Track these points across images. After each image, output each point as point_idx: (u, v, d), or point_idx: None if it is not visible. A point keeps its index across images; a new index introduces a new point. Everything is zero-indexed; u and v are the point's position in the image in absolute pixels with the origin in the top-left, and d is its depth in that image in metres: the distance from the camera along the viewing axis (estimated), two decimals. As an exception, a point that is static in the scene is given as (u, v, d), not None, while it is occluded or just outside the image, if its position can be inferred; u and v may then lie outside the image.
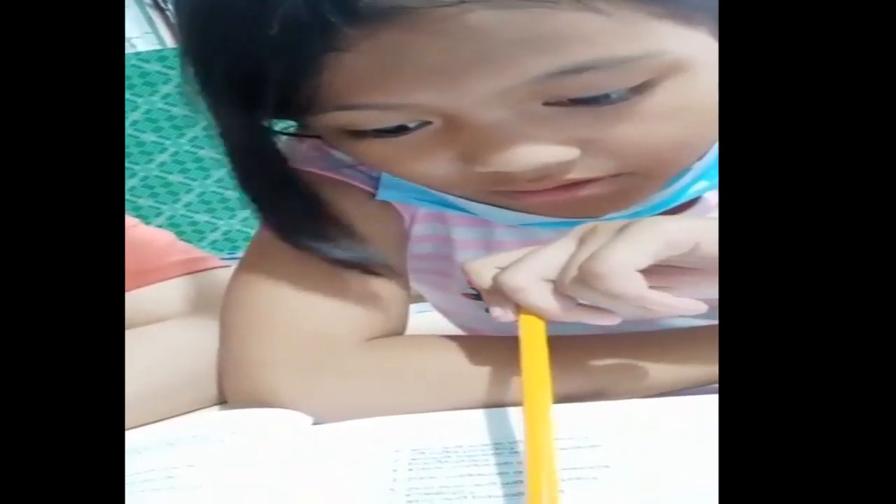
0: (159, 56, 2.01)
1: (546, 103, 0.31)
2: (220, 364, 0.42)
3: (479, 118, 0.31)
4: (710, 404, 0.32)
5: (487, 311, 0.51)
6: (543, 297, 0.33)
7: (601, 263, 0.30)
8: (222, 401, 0.42)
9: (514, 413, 0.37)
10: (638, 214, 0.39)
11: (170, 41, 2.36)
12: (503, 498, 0.29)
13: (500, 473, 0.31)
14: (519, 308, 0.34)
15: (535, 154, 0.32)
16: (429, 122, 0.33)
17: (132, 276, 0.49)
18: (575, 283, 0.32)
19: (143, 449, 0.34)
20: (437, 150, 0.34)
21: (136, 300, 0.48)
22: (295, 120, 0.36)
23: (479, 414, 0.37)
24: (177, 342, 0.45)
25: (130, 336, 0.44)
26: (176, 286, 0.50)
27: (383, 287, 0.42)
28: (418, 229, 0.48)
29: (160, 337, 0.45)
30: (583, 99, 0.31)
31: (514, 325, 0.51)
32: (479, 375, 0.39)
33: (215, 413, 0.41)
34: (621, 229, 0.31)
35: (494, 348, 0.40)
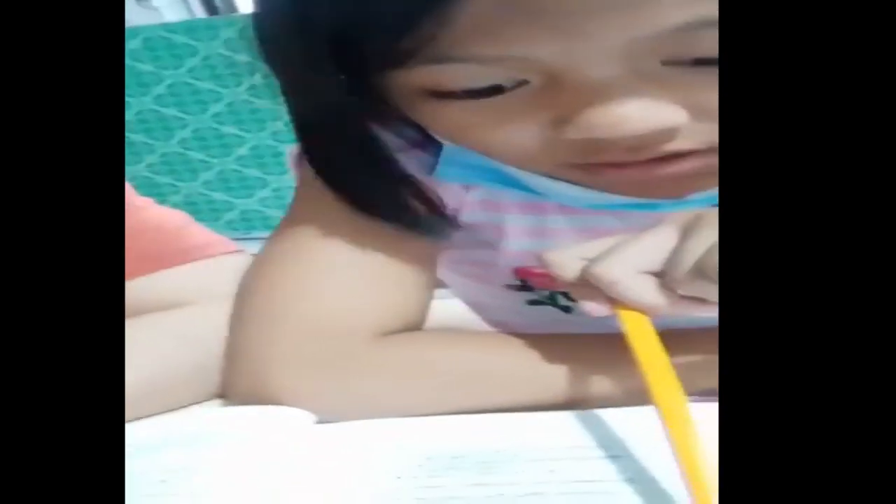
0: (188, 27, 1.99)
1: (665, 62, 0.29)
2: (224, 355, 0.41)
3: (588, 75, 0.29)
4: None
5: (530, 303, 0.50)
6: (646, 291, 0.31)
7: None
8: (222, 395, 0.41)
9: (530, 417, 0.35)
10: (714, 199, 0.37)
11: (199, 12, 2.35)
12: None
13: (513, 483, 0.30)
14: (614, 302, 0.32)
15: (643, 117, 0.29)
16: (525, 82, 0.30)
17: (142, 261, 0.48)
18: (690, 276, 0.30)
19: (135, 450, 0.32)
20: (528, 114, 0.31)
21: (146, 286, 0.47)
22: (374, 80, 0.33)
23: (493, 418, 0.35)
24: (183, 331, 0.44)
25: (134, 323, 0.43)
26: (187, 272, 0.49)
27: (405, 279, 0.41)
28: (467, 217, 0.45)
29: (165, 325, 0.44)
30: (708, 59, 0.28)
31: (552, 322, 0.49)
32: (498, 376, 0.37)
33: (213, 411, 0.40)
34: None
35: (517, 346, 0.38)
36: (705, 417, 0.30)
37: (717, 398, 0.29)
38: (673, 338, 0.37)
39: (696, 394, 0.36)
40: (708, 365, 0.36)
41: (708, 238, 0.29)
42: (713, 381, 0.36)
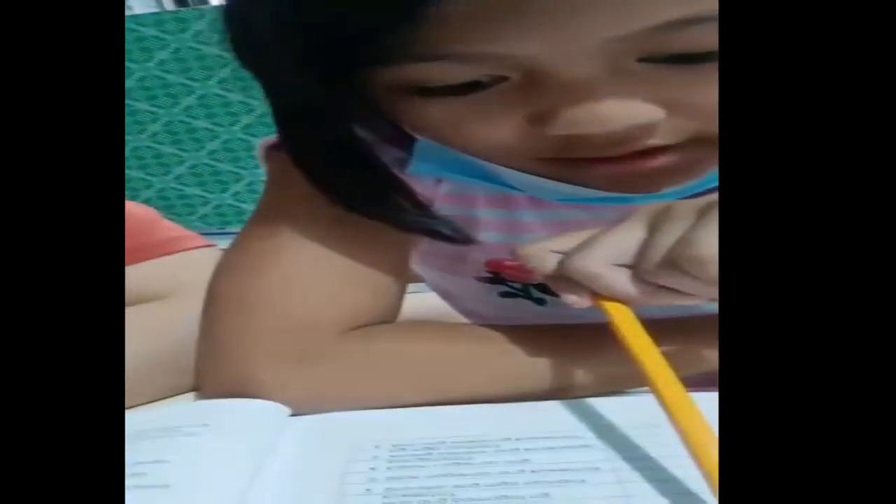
0: (157, 20, 1.96)
1: (640, 59, 0.29)
2: (197, 349, 0.40)
3: (567, 73, 0.29)
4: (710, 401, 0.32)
5: (502, 295, 0.50)
6: (623, 283, 0.32)
7: (698, 247, 0.28)
8: (196, 388, 0.41)
9: (502, 407, 0.35)
10: (690, 190, 0.37)
11: (168, 3, 2.32)
12: (485, 501, 0.28)
13: (483, 473, 0.30)
14: (594, 294, 0.33)
15: (621, 114, 0.30)
16: (504, 79, 0.31)
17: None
18: (661, 268, 0.30)
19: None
20: (507, 111, 0.32)
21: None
22: (352, 76, 0.33)
23: (465, 408, 0.36)
24: (154, 325, 0.43)
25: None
26: (156, 267, 0.48)
27: (378, 272, 0.41)
28: (439, 210, 0.45)
29: (136, 319, 0.44)
30: (681, 56, 0.29)
31: (525, 313, 0.50)
32: (471, 366, 0.38)
33: (186, 404, 0.39)
34: (704, 211, 0.30)
35: (489, 337, 0.38)
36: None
37: (698, 388, 0.30)
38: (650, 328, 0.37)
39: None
40: (686, 354, 0.37)
41: (677, 229, 0.30)
42: (692, 370, 0.37)
